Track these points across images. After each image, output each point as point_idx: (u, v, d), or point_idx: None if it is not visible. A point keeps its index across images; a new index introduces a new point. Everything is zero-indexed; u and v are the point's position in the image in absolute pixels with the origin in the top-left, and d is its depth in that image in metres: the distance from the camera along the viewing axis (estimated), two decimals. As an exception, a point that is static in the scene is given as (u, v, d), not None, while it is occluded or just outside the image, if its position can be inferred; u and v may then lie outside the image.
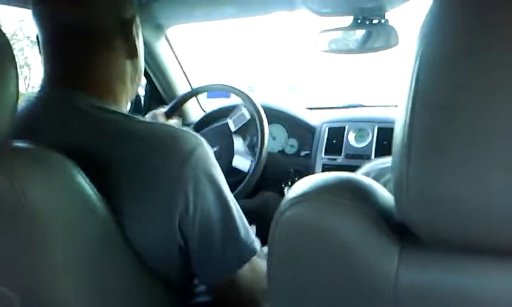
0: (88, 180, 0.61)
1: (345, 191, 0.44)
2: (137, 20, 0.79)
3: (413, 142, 0.36)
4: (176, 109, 1.53)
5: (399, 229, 0.41)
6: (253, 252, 0.75)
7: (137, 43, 0.78)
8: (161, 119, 1.38)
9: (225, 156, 1.45)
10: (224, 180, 0.75)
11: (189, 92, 1.58)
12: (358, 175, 0.49)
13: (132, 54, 0.77)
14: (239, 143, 1.48)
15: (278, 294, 0.49)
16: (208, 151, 0.73)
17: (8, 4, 1.18)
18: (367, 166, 0.69)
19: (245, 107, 1.45)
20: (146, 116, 1.40)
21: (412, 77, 0.36)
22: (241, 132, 1.50)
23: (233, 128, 1.49)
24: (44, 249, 0.56)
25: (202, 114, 1.82)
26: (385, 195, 0.46)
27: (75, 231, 0.59)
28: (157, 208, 0.66)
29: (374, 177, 0.62)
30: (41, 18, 0.74)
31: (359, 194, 0.44)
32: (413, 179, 0.37)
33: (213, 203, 0.71)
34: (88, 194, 0.60)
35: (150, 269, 0.69)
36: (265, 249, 1.17)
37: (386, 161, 0.67)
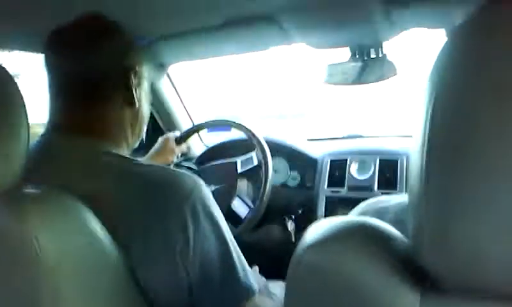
0: (99, 223, 0.61)
1: (363, 236, 0.44)
2: (142, 69, 0.82)
3: (431, 188, 0.36)
4: (187, 138, 1.53)
5: (418, 275, 0.40)
6: (252, 293, 0.75)
7: (137, 92, 0.79)
8: (171, 144, 1.41)
9: (226, 196, 1.43)
10: (223, 219, 0.76)
11: (201, 124, 1.58)
12: (373, 219, 0.49)
13: (131, 102, 0.79)
14: (242, 186, 1.46)
15: None
16: (207, 191, 0.74)
17: (22, 50, 1.21)
18: (363, 205, 0.69)
19: (255, 151, 1.44)
20: (159, 139, 1.42)
21: (426, 120, 0.36)
22: (247, 175, 1.48)
23: (239, 170, 1.48)
24: (55, 294, 0.55)
25: (204, 148, 1.83)
26: (401, 239, 0.46)
27: (87, 275, 0.59)
28: (160, 249, 0.67)
29: (372, 217, 0.62)
30: (47, 64, 0.77)
31: (376, 240, 0.44)
32: (432, 225, 0.36)
33: (212, 242, 0.72)
34: (100, 238, 0.61)
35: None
36: (269, 283, 1.16)
37: (384, 200, 0.67)
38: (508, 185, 0.32)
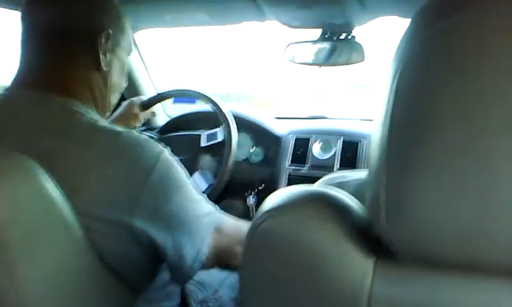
0: (52, 182, 0.60)
1: (320, 205, 0.45)
2: (120, 34, 0.79)
3: (390, 161, 0.38)
4: (153, 104, 1.46)
5: (373, 244, 0.42)
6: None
7: (106, 55, 0.76)
8: (136, 108, 1.36)
9: (187, 169, 1.41)
10: (187, 180, 0.77)
11: (167, 92, 1.52)
12: (334, 188, 0.50)
13: (97, 65, 0.76)
14: (204, 160, 1.46)
15: (250, 305, 0.49)
16: (171, 157, 0.74)
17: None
18: (325, 179, 0.70)
19: (222, 127, 1.41)
20: (123, 103, 1.37)
21: (389, 95, 0.37)
22: (210, 149, 1.47)
23: (203, 143, 1.46)
24: (4, 252, 0.54)
25: (167, 119, 1.81)
26: (359, 210, 0.47)
27: (37, 232, 0.58)
28: (121, 211, 0.67)
29: None
30: (22, 17, 0.75)
31: (334, 209, 0.45)
32: (389, 195, 0.38)
33: (179, 206, 0.72)
34: (51, 196, 0.59)
35: (112, 270, 0.69)
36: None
37: (344, 174, 0.69)
38: (461, 159, 0.34)
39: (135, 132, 0.73)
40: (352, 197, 0.49)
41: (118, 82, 0.83)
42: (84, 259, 0.64)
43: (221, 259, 0.80)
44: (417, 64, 0.36)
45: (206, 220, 0.78)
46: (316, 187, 0.69)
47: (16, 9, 1.10)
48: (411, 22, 0.38)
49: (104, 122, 0.72)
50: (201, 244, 0.75)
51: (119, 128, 0.71)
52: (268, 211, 0.46)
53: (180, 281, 0.82)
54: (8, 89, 0.73)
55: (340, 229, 0.43)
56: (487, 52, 0.33)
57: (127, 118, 1.36)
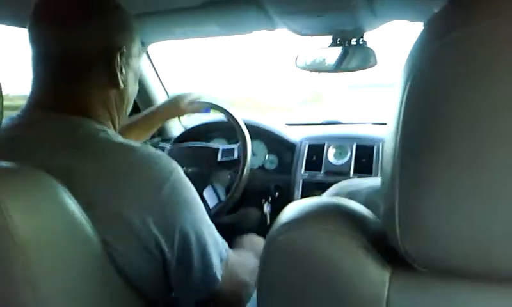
0: (73, 200, 0.61)
1: (335, 217, 0.46)
2: (130, 49, 0.79)
3: (402, 173, 0.38)
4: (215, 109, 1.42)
5: (389, 254, 0.42)
6: (215, 281, 0.78)
7: (123, 72, 0.77)
8: (183, 103, 1.32)
9: (199, 181, 1.37)
10: (200, 201, 0.77)
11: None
12: (347, 200, 0.50)
13: (114, 83, 0.76)
14: (218, 174, 1.45)
15: None
16: (184, 175, 0.75)
17: (4, 24, 1.17)
18: (336, 187, 0.70)
19: (238, 145, 1.40)
20: (171, 95, 1.38)
21: (400, 106, 0.37)
22: (226, 165, 1.45)
23: (219, 158, 1.45)
24: (26, 268, 0.55)
25: (182, 129, 1.82)
26: (374, 220, 0.47)
27: (59, 248, 0.59)
28: (136, 228, 0.67)
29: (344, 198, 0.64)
30: (32, 40, 0.74)
31: (349, 220, 0.46)
32: (403, 206, 0.38)
33: (189, 226, 0.73)
34: (73, 214, 0.60)
35: (130, 283, 0.69)
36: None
37: (355, 182, 0.69)
38: (474, 169, 0.34)
39: (150, 148, 0.74)
40: (365, 208, 0.50)
41: (133, 92, 0.85)
42: (103, 273, 0.65)
43: (230, 292, 0.81)
44: (428, 75, 0.36)
45: (217, 248, 0.79)
46: (327, 195, 0.69)
47: (23, 27, 1.11)
48: (423, 31, 0.39)
49: (119, 138, 0.73)
50: (212, 264, 0.77)
51: (134, 144, 0.72)
52: (285, 224, 0.47)
53: (187, 299, 0.82)
54: (24, 111, 0.75)
55: (356, 241, 0.43)
56: (500, 64, 0.33)
57: (172, 110, 1.34)
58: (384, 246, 0.43)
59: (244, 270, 0.86)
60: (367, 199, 0.62)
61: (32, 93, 0.75)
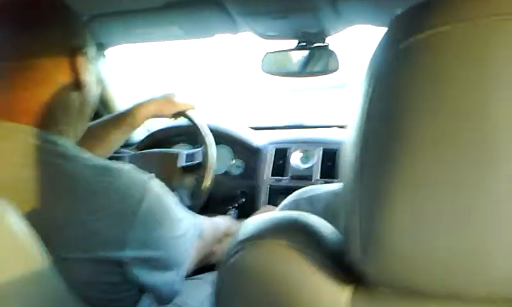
0: (23, 221, 0.56)
1: (293, 233, 0.44)
2: (89, 50, 0.76)
3: (363, 187, 0.36)
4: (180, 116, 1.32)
5: (349, 272, 0.41)
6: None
7: (83, 74, 0.74)
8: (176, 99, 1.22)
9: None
10: (175, 208, 0.77)
11: None
12: (305, 214, 0.48)
13: (77, 86, 0.73)
14: (182, 180, 1.39)
15: None
16: (158, 185, 0.74)
17: None
18: (295, 194, 0.70)
19: (202, 148, 1.34)
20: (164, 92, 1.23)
21: (361, 117, 0.36)
22: (189, 170, 1.41)
23: (182, 163, 1.40)
24: None
25: (146, 133, 1.77)
26: (334, 236, 0.46)
27: (3, 275, 0.55)
28: (110, 246, 0.65)
29: (303, 205, 0.63)
30: None
31: (307, 235, 0.44)
32: (363, 226, 0.36)
33: (163, 243, 0.72)
34: (18, 234, 0.56)
35: (90, 301, 0.66)
36: (208, 274, 1.15)
37: (313, 188, 0.69)
38: (437, 184, 0.33)
39: (120, 165, 0.71)
40: (324, 221, 0.48)
41: (95, 96, 0.81)
42: (53, 292, 0.61)
43: (201, 262, 0.88)
44: (390, 81, 0.34)
45: (189, 236, 0.80)
46: (288, 202, 0.68)
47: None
48: (385, 34, 0.37)
49: (86, 154, 0.69)
50: (184, 262, 0.78)
51: (104, 162, 0.69)
52: (241, 241, 0.45)
53: (164, 303, 0.81)
54: None
55: (315, 258, 0.42)
56: (462, 68, 0.31)
57: (163, 106, 1.19)
58: (344, 263, 0.41)
59: (216, 235, 0.95)
60: (327, 205, 0.61)
61: None
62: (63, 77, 0.72)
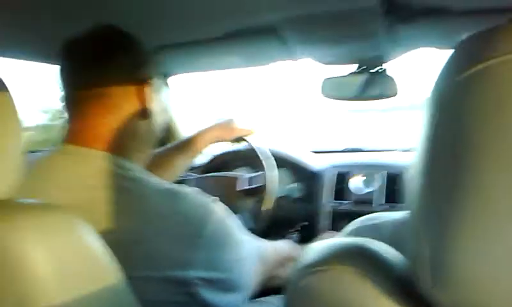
0: (99, 240, 0.60)
1: (360, 259, 0.43)
2: (156, 80, 0.81)
3: (431, 215, 0.35)
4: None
5: (418, 300, 0.39)
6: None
7: (150, 104, 0.79)
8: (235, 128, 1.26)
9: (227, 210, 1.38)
10: (238, 226, 0.80)
11: None
12: (371, 240, 0.48)
13: (144, 114, 0.78)
14: (244, 205, 1.43)
15: None
16: (222, 209, 0.77)
17: (30, 60, 1.20)
18: (356, 222, 0.68)
19: (263, 172, 1.36)
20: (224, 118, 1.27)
21: (427, 146, 0.35)
22: (251, 193, 1.43)
23: (244, 186, 1.43)
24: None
25: (208, 157, 1.82)
26: (401, 262, 0.45)
27: (82, 292, 0.58)
28: (176, 266, 0.68)
29: (367, 233, 0.62)
30: (62, 75, 0.77)
31: (376, 263, 0.43)
32: (433, 256, 0.35)
33: (228, 265, 0.74)
34: (98, 255, 0.59)
35: None
36: (274, 298, 1.14)
37: (376, 216, 0.67)
38: (511, 217, 0.31)
39: (186, 189, 0.74)
40: (390, 248, 0.47)
41: (160, 125, 0.86)
42: None
43: (264, 285, 0.87)
44: (453, 109, 0.34)
45: (252, 259, 0.82)
46: (349, 230, 0.67)
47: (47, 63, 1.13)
48: (447, 62, 0.37)
49: (155, 180, 0.74)
50: (248, 284, 0.80)
51: (171, 186, 0.73)
52: (306, 267, 0.45)
53: None
54: (59, 145, 0.76)
55: (383, 285, 0.41)
56: None
57: (224, 132, 1.24)
58: (412, 292, 0.40)
59: (278, 259, 0.94)
60: (393, 233, 0.59)
61: (69, 129, 0.77)
62: (130, 105, 0.77)
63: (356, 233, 0.65)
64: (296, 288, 0.45)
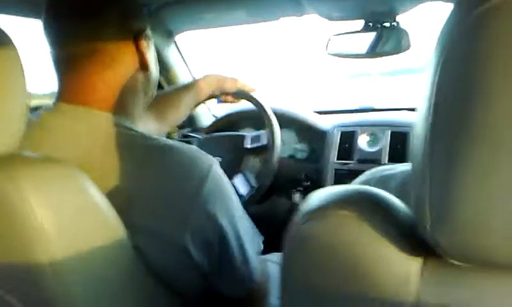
0: (100, 193, 0.60)
1: (362, 205, 0.43)
2: (148, 31, 0.79)
3: (433, 158, 0.35)
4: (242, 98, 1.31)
5: (420, 244, 0.40)
6: (250, 281, 0.78)
7: (147, 55, 0.78)
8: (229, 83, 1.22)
9: (230, 169, 1.37)
10: (236, 196, 0.77)
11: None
12: (375, 188, 0.47)
13: (143, 66, 0.78)
14: (248, 162, 1.44)
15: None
16: (221, 171, 0.75)
17: (17, 15, 1.18)
18: (366, 174, 0.67)
19: (266, 130, 1.36)
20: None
21: (432, 90, 0.34)
22: (254, 151, 1.44)
23: (247, 145, 1.44)
24: (50, 258, 0.55)
25: (212, 119, 1.82)
26: (404, 209, 0.44)
27: (83, 242, 0.59)
28: (174, 225, 0.67)
29: (375, 185, 0.61)
30: (49, 32, 0.74)
31: (376, 208, 0.43)
32: (434, 197, 0.35)
33: (228, 223, 0.73)
34: (99, 207, 0.60)
35: (162, 281, 0.69)
36: (274, 255, 1.15)
37: (390, 167, 0.66)
38: None
39: (186, 145, 0.73)
40: (394, 197, 0.46)
41: (157, 75, 0.85)
42: (130, 266, 0.65)
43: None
44: (460, 52, 0.33)
45: (253, 242, 0.80)
46: (358, 182, 0.66)
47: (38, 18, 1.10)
48: (453, 8, 0.35)
49: (153, 136, 0.72)
50: (250, 260, 0.77)
51: (170, 142, 0.72)
52: (308, 213, 0.45)
53: (236, 290, 0.79)
54: (54, 104, 0.74)
55: (383, 230, 0.41)
56: None
57: (214, 86, 1.21)
58: (414, 236, 0.40)
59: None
60: (401, 185, 0.59)
61: (60, 85, 0.75)
62: (129, 59, 0.76)
63: (364, 184, 0.65)
64: (295, 233, 0.45)
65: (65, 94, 0.74)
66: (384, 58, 1.26)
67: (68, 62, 0.73)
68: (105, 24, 0.73)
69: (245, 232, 0.77)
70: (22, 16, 1.18)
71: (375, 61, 1.31)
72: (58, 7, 0.73)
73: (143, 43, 0.77)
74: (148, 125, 1.03)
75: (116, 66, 0.74)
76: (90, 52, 0.72)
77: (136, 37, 0.76)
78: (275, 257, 1.21)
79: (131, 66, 0.76)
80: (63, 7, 0.73)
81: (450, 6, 0.36)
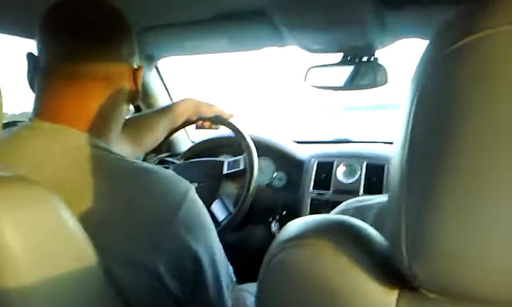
0: (72, 216, 0.58)
1: (339, 235, 0.43)
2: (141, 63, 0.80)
3: (410, 190, 0.35)
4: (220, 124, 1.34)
5: (396, 276, 0.40)
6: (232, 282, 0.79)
7: (140, 87, 0.78)
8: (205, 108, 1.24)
9: (208, 195, 1.40)
10: (212, 224, 0.76)
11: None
12: (352, 218, 0.48)
13: (134, 99, 0.78)
14: (226, 187, 1.44)
15: None
16: (197, 197, 0.73)
17: (12, 35, 1.16)
18: (346, 203, 0.68)
19: (243, 155, 1.38)
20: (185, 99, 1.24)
21: (408, 121, 0.35)
22: (232, 176, 1.44)
23: (225, 171, 1.44)
24: (17, 282, 0.52)
25: (190, 144, 1.81)
26: (380, 240, 0.45)
27: (52, 265, 0.57)
28: (144, 249, 0.65)
29: (352, 215, 0.62)
30: (46, 50, 0.72)
31: (352, 238, 0.43)
32: (410, 228, 0.35)
33: (203, 250, 0.71)
34: (70, 229, 0.58)
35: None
36: (250, 285, 1.14)
37: (365, 198, 0.67)
38: (488, 191, 0.31)
39: (162, 169, 0.72)
40: (370, 227, 0.47)
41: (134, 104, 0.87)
42: (99, 291, 0.62)
43: None
44: (435, 87, 0.34)
45: (227, 273, 0.78)
46: (335, 212, 0.67)
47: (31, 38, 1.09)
48: (429, 44, 0.37)
49: (130, 159, 0.71)
50: (223, 291, 0.76)
51: (146, 165, 0.71)
52: (284, 241, 0.44)
53: None
54: (30, 120, 0.72)
55: (360, 260, 0.41)
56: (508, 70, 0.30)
57: (191, 111, 1.23)
58: (390, 268, 0.40)
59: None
60: (378, 215, 0.59)
61: (37, 104, 0.73)
62: (122, 88, 0.75)
63: (342, 214, 0.65)
64: (272, 262, 0.45)
65: (44, 111, 0.72)
66: (360, 91, 1.28)
67: (55, 79, 0.71)
68: (114, 54, 0.73)
69: (220, 261, 0.75)
70: (12, 34, 1.17)
71: (351, 94, 1.33)
72: (57, 25, 0.71)
73: (139, 75, 0.77)
74: (123, 148, 1.02)
75: (107, 94, 0.73)
76: (89, 77, 0.71)
77: (137, 72, 0.77)
78: (251, 287, 1.19)
79: (125, 98, 0.77)
80: (62, 25, 0.71)
81: (426, 43, 0.37)
